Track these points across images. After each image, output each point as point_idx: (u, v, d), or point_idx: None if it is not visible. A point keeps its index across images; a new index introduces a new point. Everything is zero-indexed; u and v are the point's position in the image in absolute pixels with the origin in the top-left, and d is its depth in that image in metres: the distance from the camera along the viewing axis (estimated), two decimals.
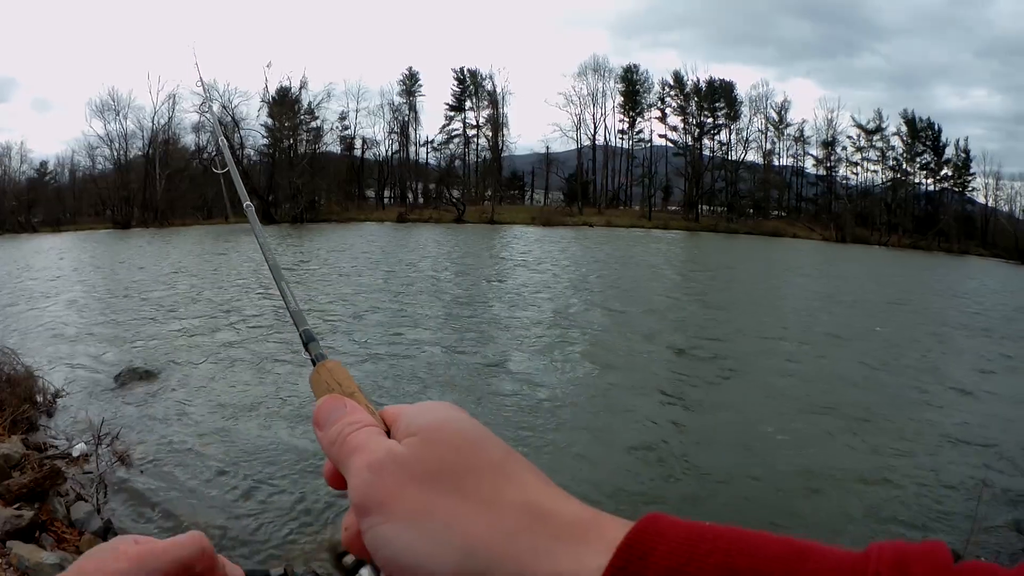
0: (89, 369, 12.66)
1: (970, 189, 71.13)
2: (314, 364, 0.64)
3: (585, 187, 79.11)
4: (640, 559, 0.39)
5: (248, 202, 1.03)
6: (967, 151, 69.98)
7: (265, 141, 71.65)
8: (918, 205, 71.50)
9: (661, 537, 0.40)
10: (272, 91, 70.94)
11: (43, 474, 7.13)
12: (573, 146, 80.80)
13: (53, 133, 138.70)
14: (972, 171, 70.07)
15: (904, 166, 71.36)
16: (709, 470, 8.74)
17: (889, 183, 71.53)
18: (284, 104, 70.02)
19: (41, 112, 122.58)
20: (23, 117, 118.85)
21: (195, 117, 68.63)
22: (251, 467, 8.51)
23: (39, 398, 9.92)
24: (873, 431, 10.22)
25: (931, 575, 0.35)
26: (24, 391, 9.53)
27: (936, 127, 71.01)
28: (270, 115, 70.43)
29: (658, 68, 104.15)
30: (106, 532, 6.99)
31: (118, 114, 67.22)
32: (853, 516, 7.55)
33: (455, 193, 76.09)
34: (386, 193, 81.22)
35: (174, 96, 68.71)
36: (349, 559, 0.55)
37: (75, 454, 8.66)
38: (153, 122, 67.63)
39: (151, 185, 64.79)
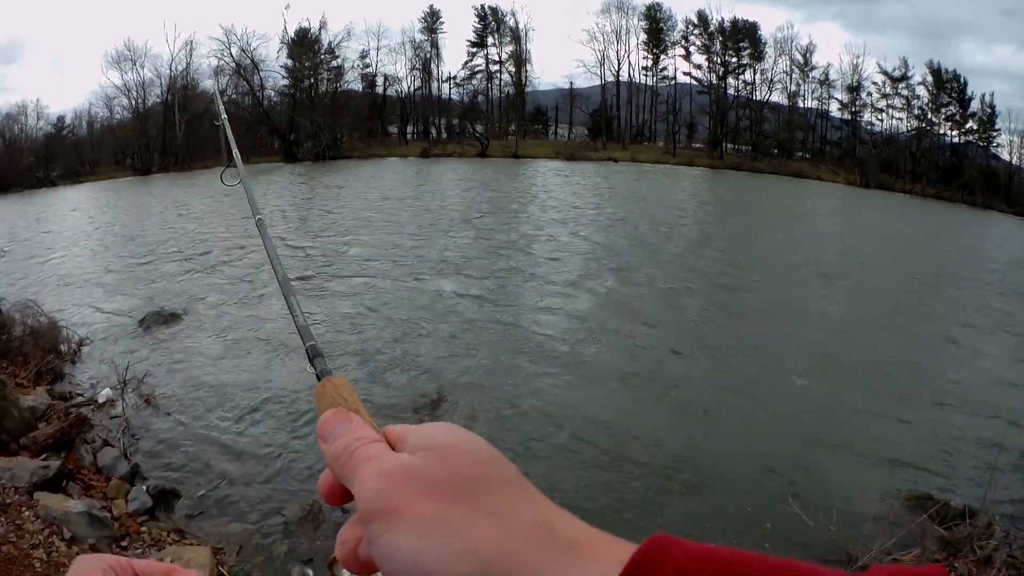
0: (113, 315, 12.92)
1: (995, 145, 69.26)
2: (319, 379, 0.63)
3: (609, 123, 77.94)
4: None
5: (259, 215, 1.04)
6: (992, 106, 67.89)
7: (285, 82, 71.28)
8: (942, 156, 69.67)
9: (668, 557, 0.41)
10: (291, 33, 70.17)
11: (68, 423, 7.32)
12: (597, 82, 79.26)
13: (69, 90, 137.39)
14: (997, 127, 68.18)
15: (929, 116, 69.56)
16: (714, 419, 8.81)
17: (914, 132, 69.84)
18: (304, 45, 69.19)
19: (55, 70, 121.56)
20: (37, 76, 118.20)
21: (214, 62, 68.37)
22: (274, 407, 8.77)
23: (63, 348, 10.16)
24: (886, 387, 10.27)
25: None
26: (48, 342, 9.75)
27: (962, 79, 68.92)
28: (289, 56, 69.73)
29: (685, 7, 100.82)
30: (133, 476, 7.17)
31: (135, 63, 66.60)
32: (867, 475, 7.57)
33: (478, 128, 75.01)
34: (409, 129, 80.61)
35: (191, 43, 68.34)
36: None
37: (101, 400, 8.84)
38: (171, 69, 67.06)
39: (170, 131, 64.57)
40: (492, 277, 15.10)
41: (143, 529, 6.12)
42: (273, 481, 7.08)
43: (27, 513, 5.37)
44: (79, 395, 9.11)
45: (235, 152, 1.27)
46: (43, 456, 6.68)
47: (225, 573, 5.63)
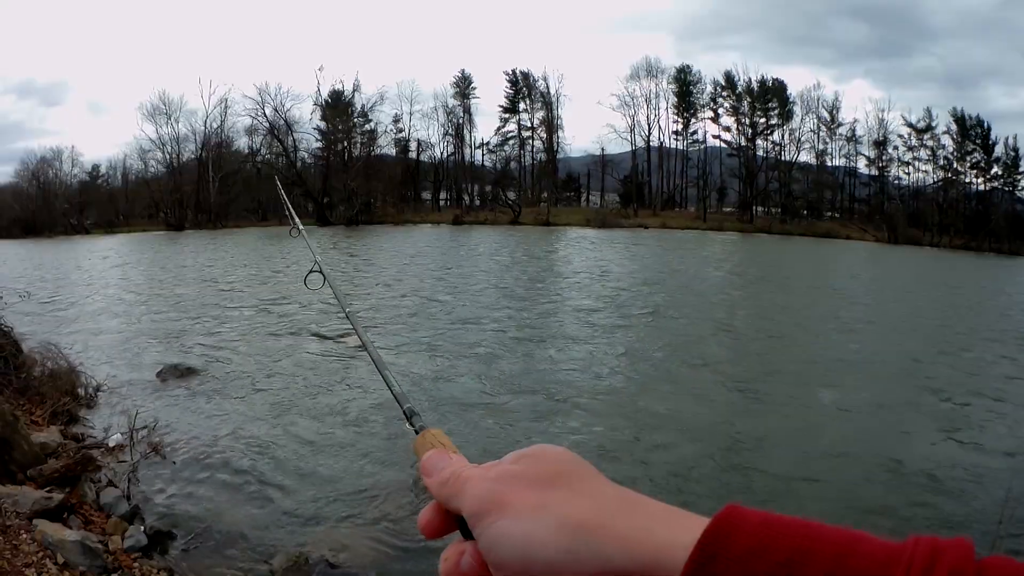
0: (132, 365, 13.22)
1: (1020, 188, 68.80)
2: (417, 433, 0.73)
3: (640, 189, 78.99)
4: (724, 538, 0.47)
5: (349, 307, 1.24)
6: (1016, 149, 67.60)
7: (319, 144, 72.88)
8: (969, 205, 69.14)
9: (743, 521, 0.47)
10: (324, 94, 72.03)
11: (75, 460, 7.59)
12: (628, 148, 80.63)
13: (105, 137, 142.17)
14: (1022, 170, 67.81)
15: (955, 165, 69.43)
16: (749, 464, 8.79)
17: (940, 183, 69.74)
18: (337, 107, 70.94)
19: (93, 115, 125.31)
20: (76, 119, 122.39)
21: (248, 120, 69.88)
22: (275, 464, 8.77)
23: (80, 392, 10.45)
24: (895, 431, 10.10)
25: (958, 563, 0.41)
26: (66, 385, 10.06)
27: (985, 125, 68.82)
28: (323, 118, 71.49)
29: (719, 69, 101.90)
30: (132, 517, 7.41)
31: (169, 118, 68.62)
32: (877, 513, 7.51)
33: (511, 195, 76.35)
34: (441, 195, 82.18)
35: (226, 100, 70.23)
36: None
37: (111, 444, 9.09)
38: (205, 125, 69.00)
39: (204, 188, 66.10)
40: (525, 355, 14.81)
41: (135, 565, 6.32)
42: (264, 533, 7.20)
43: (24, 536, 5.57)
44: (91, 437, 9.36)
45: (317, 256, 1.51)
46: (48, 488, 6.94)
47: None
